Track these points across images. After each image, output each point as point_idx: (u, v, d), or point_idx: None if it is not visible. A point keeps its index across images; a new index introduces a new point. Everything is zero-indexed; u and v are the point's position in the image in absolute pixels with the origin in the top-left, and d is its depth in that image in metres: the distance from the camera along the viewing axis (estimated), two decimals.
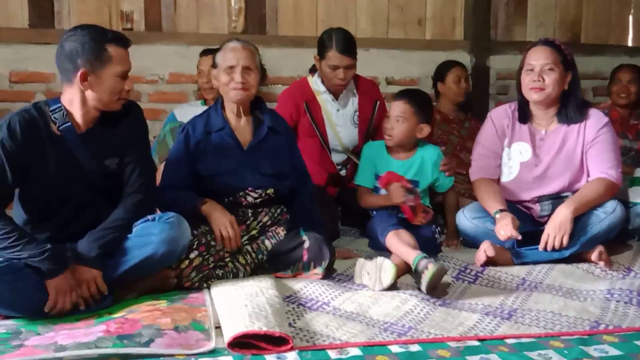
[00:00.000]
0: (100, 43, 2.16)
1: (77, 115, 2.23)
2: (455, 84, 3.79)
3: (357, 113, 3.29)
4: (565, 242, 2.64)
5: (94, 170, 2.26)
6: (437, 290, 2.32)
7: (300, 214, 2.67)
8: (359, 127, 3.30)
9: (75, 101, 2.22)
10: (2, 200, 2.13)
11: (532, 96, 2.81)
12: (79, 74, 2.15)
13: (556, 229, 2.65)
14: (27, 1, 3.69)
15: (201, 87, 3.51)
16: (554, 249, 2.67)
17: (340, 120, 3.27)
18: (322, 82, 3.21)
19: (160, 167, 3.14)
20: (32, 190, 2.21)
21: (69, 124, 2.21)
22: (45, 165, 2.18)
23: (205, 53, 3.50)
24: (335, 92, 3.23)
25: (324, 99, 3.22)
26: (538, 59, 2.78)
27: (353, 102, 3.29)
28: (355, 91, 3.30)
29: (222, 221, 2.45)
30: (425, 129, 2.91)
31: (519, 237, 2.64)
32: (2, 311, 2.03)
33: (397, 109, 2.88)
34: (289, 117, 3.09)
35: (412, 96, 2.93)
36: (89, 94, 2.19)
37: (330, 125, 3.22)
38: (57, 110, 2.21)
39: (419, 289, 2.31)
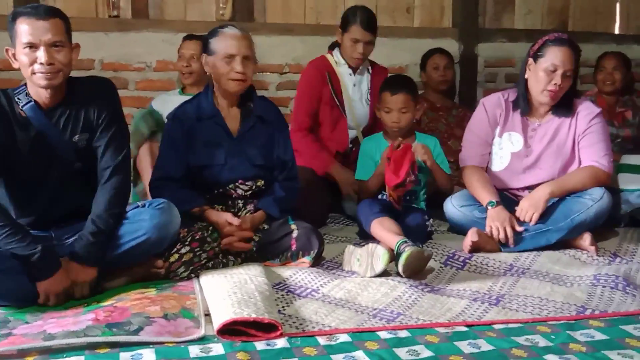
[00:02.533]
0: (13, 20, 2.11)
1: (34, 93, 2.18)
2: (434, 71, 3.80)
3: (370, 92, 3.39)
4: (535, 218, 2.69)
5: (65, 148, 2.21)
6: (416, 273, 2.34)
7: (267, 193, 2.64)
8: (370, 106, 3.39)
9: (27, 82, 2.19)
10: None
11: (545, 98, 2.77)
12: (6, 52, 2.15)
13: (530, 205, 2.71)
14: None
15: (180, 72, 3.47)
16: (541, 239, 2.71)
17: (356, 95, 3.39)
18: (342, 56, 3.33)
19: (141, 155, 3.15)
20: (9, 175, 2.18)
21: (32, 102, 2.16)
22: (17, 148, 2.15)
23: (189, 38, 3.47)
24: (354, 68, 3.34)
25: (342, 71, 3.34)
26: (564, 62, 2.70)
27: (367, 80, 3.40)
28: (369, 71, 3.42)
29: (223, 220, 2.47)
30: (419, 109, 3.02)
31: (513, 244, 2.68)
32: None
33: (400, 102, 2.87)
34: (314, 85, 3.27)
35: (407, 85, 2.94)
36: (22, 72, 2.14)
37: (347, 97, 3.32)
38: (20, 92, 2.18)
39: (398, 273, 2.33)
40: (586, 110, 2.86)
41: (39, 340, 1.75)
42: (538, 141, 2.88)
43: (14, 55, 2.14)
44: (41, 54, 2.07)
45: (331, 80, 3.28)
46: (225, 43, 2.53)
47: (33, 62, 2.08)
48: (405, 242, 2.38)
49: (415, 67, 3.99)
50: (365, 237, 2.78)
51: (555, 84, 2.71)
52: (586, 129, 2.83)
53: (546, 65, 2.72)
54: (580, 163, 2.85)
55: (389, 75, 3.37)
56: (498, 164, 2.95)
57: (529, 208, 2.71)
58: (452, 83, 3.99)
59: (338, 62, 3.33)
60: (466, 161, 2.98)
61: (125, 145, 2.33)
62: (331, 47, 3.41)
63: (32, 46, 2.08)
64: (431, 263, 2.51)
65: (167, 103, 3.31)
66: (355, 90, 3.38)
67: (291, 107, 3.97)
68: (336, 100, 3.28)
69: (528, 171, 2.89)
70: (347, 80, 3.35)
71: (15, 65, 2.16)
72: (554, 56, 2.72)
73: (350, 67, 3.34)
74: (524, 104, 2.88)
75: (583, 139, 2.84)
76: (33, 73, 2.10)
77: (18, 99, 2.17)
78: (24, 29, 2.07)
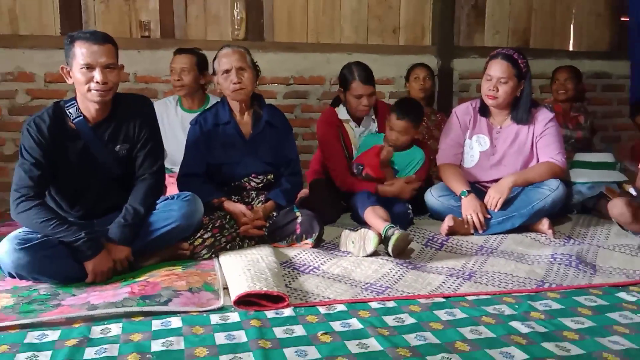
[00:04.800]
0: (70, 43, 2.10)
1: (84, 108, 2.17)
2: (415, 82, 3.80)
3: (377, 129, 3.17)
4: (500, 203, 2.71)
5: (108, 158, 2.21)
6: (402, 254, 2.35)
7: (275, 185, 2.64)
8: None
9: (78, 96, 2.18)
10: (42, 188, 2.11)
11: (487, 101, 2.85)
12: (61, 70, 2.14)
13: (496, 192, 2.73)
14: (58, 13, 3.64)
15: (172, 85, 3.25)
16: (506, 223, 2.71)
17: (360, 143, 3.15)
18: (347, 111, 3.11)
19: None
20: (61, 179, 2.18)
21: (81, 117, 2.16)
22: (67, 158, 2.15)
23: (178, 52, 3.24)
24: (358, 119, 3.13)
25: (351, 126, 3.12)
26: (496, 71, 2.77)
27: (373, 128, 3.17)
28: (375, 117, 3.17)
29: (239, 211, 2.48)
30: (417, 134, 3.04)
31: (485, 228, 2.69)
32: (43, 278, 2.02)
33: (401, 126, 2.87)
34: (334, 134, 3.04)
35: (412, 112, 2.90)
36: (76, 87, 2.14)
37: (355, 147, 3.12)
38: (71, 106, 2.17)
39: (387, 252, 2.33)
40: (542, 115, 2.87)
41: (84, 310, 1.76)
42: (502, 142, 2.89)
43: (68, 72, 2.14)
44: (97, 74, 2.07)
45: (342, 133, 3.07)
46: (220, 62, 2.55)
47: (89, 80, 2.08)
48: (392, 227, 2.39)
49: (401, 79, 3.98)
50: (357, 221, 2.78)
51: (489, 89, 2.77)
52: (543, 131, 2.84)
53: (485, 77, 2.81)
54: (538, 160, 2.87)
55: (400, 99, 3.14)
56: (469, 162, 2.95)
57: (495, 194, 2.73)
58: (431, 92, 3.97)
59: (344, 118, 3.09)
60: (442, 159, 2.99)
61: (161, 157, 2.34)
62: (335, 104, 3.16)
63: (90, 67, 2.08)
64: (414, 245, 2.51)
65: (161, 107, 3.22)
66: (361, 139, 3.13)
67: (296, 114, 3.97)
68: (346, 151, 3.08)
69: (494, 167, 2.90)
70: (354, 132, 3.12)
71: (69, 81, 2.15)
72: (490, 68, 2.80)
73: (354, 120, 3.10)
74: (483, 108, 2.92)
75: (540, 139, 2.84)
76: (89, 90, 2.10)
77: (69, 112, 2.16)
78: (83, 51, 2.07)
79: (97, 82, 2.08)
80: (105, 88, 2.10)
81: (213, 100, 3.23)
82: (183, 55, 3.19)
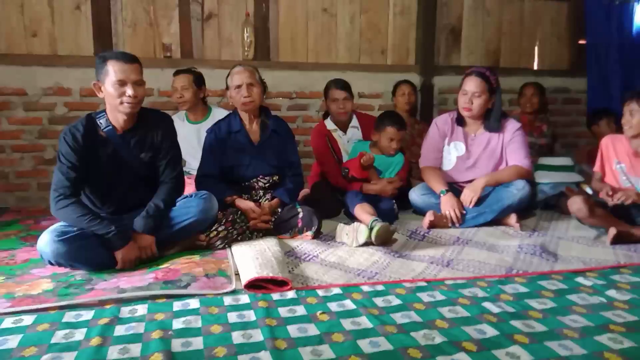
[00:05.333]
0: (103, 62, 2.10)
1: (113, 119, 2.17)
2: (401, 97, 3.80)
3: (362, 136, 3.20)
4: (474, 201, 2.71)
5: (133, 162, 2.21)
6: (386, 242, 2.36)
7: (280, 185, 2.64)
8: None
9: (109, 109, 2.17)
10: (77, 188, 2.10)
11: (463, 113, 2.85)
12: (93, 85, 2.13)
13: (470, 191, 2.73)
14: (92, 36, 3.63)
15: (176, 102, 3.21)
16: (479, 218, 2.72)
17: (349, 148, 3.16)
18: (332, 121, 3.16)
19: None
20: (93, 179, 2.17)
21: (110, 127, 2.16)
22: (99, 161, 2.15)
23: (177, 73, 3.20)
24: (343, 125, 3.17)
25: (338, 135, 3.15)
26: (470, 86, 2.78)
27: (358, 135, 3.19)
28: (359, 127, 3.21)
29: (249, 208, 2.47)
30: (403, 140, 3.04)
31: (461, 222, 2.69)
32: (79, 266, 2.02)
33: (392, 134, 2.90)
34: (324, 144, 3.09)
35: (401, 121, 2.95)
36: (107, 100, 2.14)
37: (343, 151, 3.14)
38: (101, 117, 2.17)
39: (372, 242, 2.32)
40: (511, 125, 2.87)
41: (114, 293, 1.76)
42: (476, 148, 2.89)
43: (100, 87, 2.13)
44: (129, 89, 2.09)
45: (330, 141, 3.12)
46: (232, 78, 2.56)
47: (122, 94, 2.09)
48: (376, 220, 2.40)
49: (388, 93, 3.98)
50: (350, 217, 2.78)
51: (465, 102, 2.79)
52: (511, 138, 2.84)
53: (461, 91, 2.82)
54: (507, 164, 2.87)
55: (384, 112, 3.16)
56: (447, 165, 2.95)
57: (470, 193, 2.74)
58: (415, 105, 3.98)
59: (331, 128, 3.16)
60: (424, 163, 2.99)
61: (179, 164, 2.34)
62: (325, 116, 3.24)
63: (122, 83, 2.08)
64: (399, 236, 2.52)
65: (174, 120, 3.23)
66: (348, 145, 3.16)
67: (298, 124, 3.97)
68: (335, 156, 3.11)
69: (469, 170, 2.90)
70: (341, 140, 3.16)
71: (100, 95, 2.14)
72: (465, 83, 2.81)
73: (339, 128, 3.15)
74: (459, 119, 2.92)
75: (509, 146, 2.85)
76: (121, 103, 2.10)
77: (100, 122, 2.16)
78: (116, 69, 2.08)
79: (129, 96, 2.09)
80: (136, 101, 2.11)
81: (215, 111, 3.24)
82: (182, 75, 3.17)
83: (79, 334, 1.48)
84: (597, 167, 2.75)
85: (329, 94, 3.11)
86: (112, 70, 2.08)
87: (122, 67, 2.08)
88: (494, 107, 2.83)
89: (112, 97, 2.10)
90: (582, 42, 4.41)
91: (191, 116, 3.25)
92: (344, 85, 3.12)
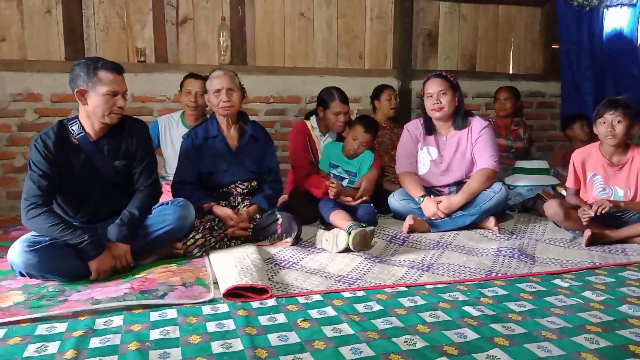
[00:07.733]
0: (93, 69, 2.07)
1: (87, 126, 2.14)
2: (387, 101, 3.82)
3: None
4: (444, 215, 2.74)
5: (107, 170, 2.18)
6: (364, 247, 2.36)
7: (258, 191, 2.63)
8: None
9: (83, 115, 2.14)
10: (49, 197, 2.06)
11: (434, 115, 2.85)
12: (75, 92, 2.09)
13: (445, 207, 2.75)
14: (63, 40, 3.57)
15: (188, 106, 3.17)
16: (458, 221, 2.75)
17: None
18: (316, 123, 3.15)
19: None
20: (66, 188, 2.13)
21: (83, 134, 2.12)
22: (71, 168, 2.11)
23: (193, 76, 3.20)
24: (324, 129, 3.17)
25: (316, 134, 3.16)
26: (434, 87, 2.81)
27: (333, 136, 3.19)
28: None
29: (227, 215, 2.46)
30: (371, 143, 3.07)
31: (442, 216, 2.71)
32: (51, 277, 1.98)
33: (366, 138, 2.96)
34: (302, 142, 3.09)
35: (375, 128, 3.01)
36: (88, 108, 2.10)
37: (320, 151, 3.15)
38: (73, 124, 2.14)
39: (349, 248, 2.32)
40: (477, 123, 2.90)
41: (88, 304, 1.73)
42: (448, 152, 2.92)
43: (83, 95, 2.08)
44: (120, 101, 2.09)
45: (309, 141, 3.12)
46: (212, 82, 2.54)
47: (112, 105, 2.08)
48: (352, 226, 2.39)
49: (366, 98, 4.01)
50: (326, 225, 2.75)
51: (434, 103, 2.81)
52: (477, 137, 2.87)
53: (426, 95, 2.86)
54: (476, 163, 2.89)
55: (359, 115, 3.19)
56: (422, 169, 2.97)
57: (444, 209, 2.75)
58: (398, 109, 4.00)
59: (313, 127, 3.14)
60: (400, 169, 3.00)
61: (154, 171, 2.31)
62: (307, 117, 3.20)
63: (115, 94, 2.07)
64: (379, 241, 2.53)
65: (164, 120, 3.25)
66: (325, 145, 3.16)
67: (276, 128, 3.96)
68: (312, 156, 3.12)
69: (444, 173, 2.92)
70: (319, 140, 3.16)
71: (83, 103, 2.10)
72: (428, 87, 2.86)
73: (320, 131, 3.14)
74: (427, 126, 2.94)
75: (476, 145, 2.87)
76: (110, 113, 2.09)
77: (72, 129, 2.13)
78: (109, 81, 2.06)
79: (119, 107, 2.10)
80: (122, 111, 2.13)
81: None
82: (200, 81, 3.13)
83: (53, 347, 1.44)
84: (569, 183, 2.74)
85: (331, 105, 3.03)
86: (105, 81, 2.06)
87: (115, 79, 2.09)
88: (460, 103, 2.88)
89: (100, 107, 2.08)
90: (555, 46, 4.51)
91: (188, 120, 3.23)
92: (346, 99, 3.07)
